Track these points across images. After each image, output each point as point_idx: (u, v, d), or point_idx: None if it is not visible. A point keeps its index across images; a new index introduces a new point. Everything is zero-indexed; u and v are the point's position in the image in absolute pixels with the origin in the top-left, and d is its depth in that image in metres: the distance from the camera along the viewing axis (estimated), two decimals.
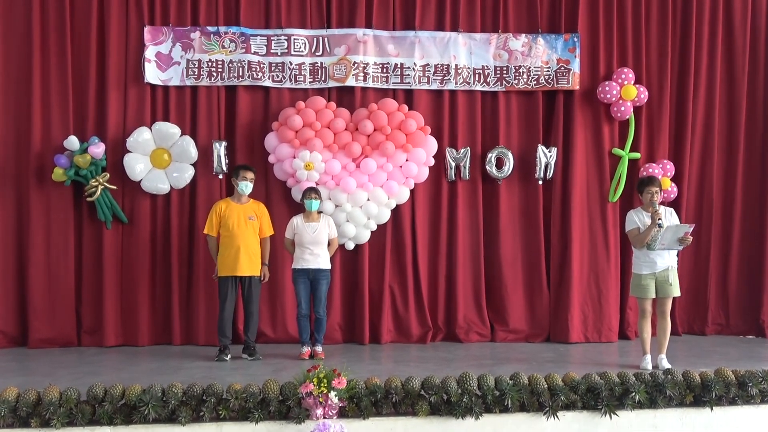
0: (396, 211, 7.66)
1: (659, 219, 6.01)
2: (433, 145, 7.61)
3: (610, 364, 6.31)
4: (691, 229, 6.10)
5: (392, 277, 7.71)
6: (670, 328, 6.32)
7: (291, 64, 7.57)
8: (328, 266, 6.89)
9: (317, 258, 6.78)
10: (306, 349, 6.80)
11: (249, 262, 6.74)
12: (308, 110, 7.34)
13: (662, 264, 6.13)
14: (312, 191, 6.88)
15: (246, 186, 6.81)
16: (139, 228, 7.46)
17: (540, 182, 7.78)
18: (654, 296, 6.19)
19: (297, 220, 6.87)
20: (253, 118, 7.64)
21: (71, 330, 7.41)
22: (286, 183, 7.52)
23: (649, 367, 6.05)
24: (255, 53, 7.53)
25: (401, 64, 7.67)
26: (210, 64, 7.50)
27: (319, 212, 7.00)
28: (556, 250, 7.84)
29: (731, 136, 8.17)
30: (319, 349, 6.83)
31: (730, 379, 4.90)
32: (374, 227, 7.57)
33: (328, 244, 6.88)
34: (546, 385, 4.72)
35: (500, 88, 7.79)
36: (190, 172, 7.43)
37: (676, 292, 6.20)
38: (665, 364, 6.04)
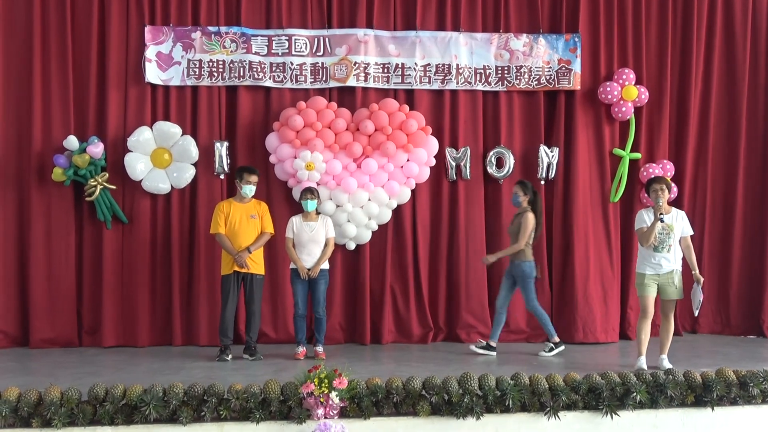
0: (397, 211, 7.66)
1: (661, 214, 6.00)
2: (434, 145, 7.61)
3: (612, 364, 6.30)
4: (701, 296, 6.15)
5: (393, 277, 7.71)
6: (673, 330, 6.29)
7: (292, 64, 7.57)
8: (326, 266, 6.90)
9: (315, 258, 6.79)
10: (301, 349, 6.81)
11: (251, 261, 6.76)
12: (309, 110, 7.34)
13: (667, 267, 6.09)
14: (309, 192, 6.88)
15: (250, 189, 6.83)
16: (139, 228, 7.46)
17: (542, 182, 7.78)
18: (655, 295, 6.17)
19: (296, 220, 6.88)
20: (254, 118, 7.64)
21: (72, 330, 7.42)
22: (287, 183, 7.52)
23: (644, 368, 5.99)
24: (256, 53, 7.53)
25: (402, 64, 7.67)
26: (211, 64, 7.50)
27: (318, 212, 7.00)
28: (558, 250, 7.84)
29: (732, 136, 8.17)
30: (320, 349, 6.83)
31: (731, 380, 4.90)
32: (375, 227, 7.57)
33: (325, 245, 6.88)
34: (547, 385, 4.72)
35: (501, 88, 7.79)
36: (191, 172, 7.43)
37: (680, 294, 6.18)
38: (666, 364, 6.03)
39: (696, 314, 6.48)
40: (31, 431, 4.31)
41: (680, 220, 6.20)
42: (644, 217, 6.19)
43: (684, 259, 6.22)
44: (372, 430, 4.53)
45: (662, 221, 5.99)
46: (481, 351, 6.97)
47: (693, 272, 6.16)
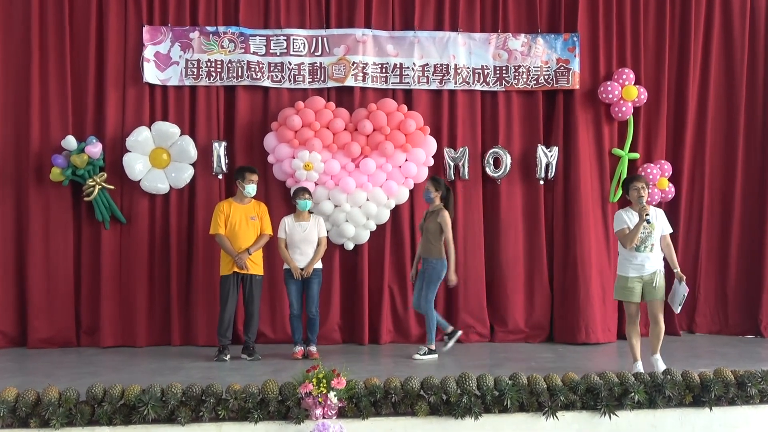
0: (395, 211, 7.66)
1: (647, 215, 5.77)
2: (432, 145, 7.61)
3: (610, 364, 6.30)
4: (685, 292, 5.97)
5: (391, 278, 7.71)
6: (664, 331, 5.98)
7: (290, 64, 7.57)
8: (320, 265, 6.92)
9: (308, 258, 6.79)
10: (299, 349, 6.81)
11: (250, 262, 6.77)
12: (307, 110, 7.34)
13: (650, 267, 5.86)
14: (304, 191, 6.89)
15: (252, 189, 6.84)
16: (138, 228, 7.45)
17: (541, 182, 7.78)
18: (639, 300, 5.95)
19: (288, 220, 6.89)
20: (253, 118, 7.64)
21: (70, 330, 7.42)
22: (286, 183, 7.52)
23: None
24: (254, 53, 7.53)
25: (400, 64, 7.67)
26: (209, 64, 7.50)
27: (310, 212, 7.01)
28: (558, 250, 7.83)
29: (729, 135, 8.16)
30: (313, 349, 6.82)
31: (729, 380, 4.90)
32: (373, 227, 7.57)
33: (318, 244, 6.89)
34: (545, 386, 4.72)
35: (500, 87, 7.80)
36: (190, 172, 7.43)
37: (661, 295, 5.89)
38: (660, 365, 5.83)
39: (677, 311, 6.23)
40: (29, 431, 4.31)
41: (660, 218, 5.97)
42: (624, 218, 5.93)
43: (665, 259, 6.02)
44: (370, 430, 4.53)
45: (648, 222, 5.79)
46: (426, 357, 6.82)
47: (675, 270, 5.97)
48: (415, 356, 6.80)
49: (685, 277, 5.99)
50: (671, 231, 6.11)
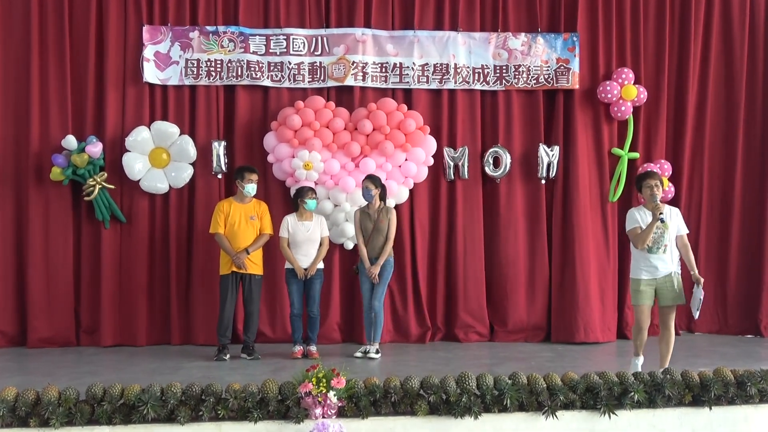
0: (395, 211, 7.65)
1: (661, 213, 5.54)
2: (432, 144, 7.61)
3: (609, 364, 6.29)
4: (701, 296, 5.69)
5: (391, 277, 7.68)
6: (674, 340, 5.75)
7: (290, 63, 7.57)
8: (321, 265, 6.93)
9: (311, 257, 6.81)
10: (298, 348, 6.82)
11: (249, 261, 6.77)
12: (307, 110, 7.34)
13: (664, 269, 5.61)
14: (311, 191, 6.90)
15: (252, 188, 6.84)
16: (137, 227, 7.46)
17: (543, 181, 7.77)
18: (652, 304, 5.76)
19: (290, 219, 6.88)
20: (252, 117, 7.65)
21: (70, 330, 7.42)
22: (285, 183, 7.52)
23: (639, 370, 5.48)
24: (254, 53, 7.53)
25: (400, 64, 7.67)
26: (209, 63, 7.50)
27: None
28: (557, 249, 7.83)
29: (729, 135, 8.17)
30: (313, 348, 6.83)
31: (728, 379, 4.88)
32: None
33: (320, 244, 6.89)
34: (545, 385, 4.71)
35: (500, 87, 7.80)
36: (189, 172, 7.43)
37: (681, 300, 5.67)
38: None
39: (696, 316, 5.91)
40: (29, 431, 4.31)
41: (675, 217, 5.70)
42: (636, 217, 5.69)
43: (682, 260, 5.80)
44: (370, 429, 4.52)
45: (662, 221, 5.54)
46: (375, 356, 6.83)
47: (692, 273, 5.71)
48: (371, 355, 6.81)
49: (702, 280, 5.69)
50: (687, 231, 5.84)
